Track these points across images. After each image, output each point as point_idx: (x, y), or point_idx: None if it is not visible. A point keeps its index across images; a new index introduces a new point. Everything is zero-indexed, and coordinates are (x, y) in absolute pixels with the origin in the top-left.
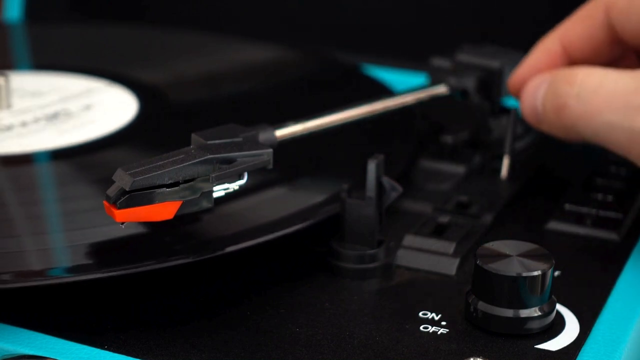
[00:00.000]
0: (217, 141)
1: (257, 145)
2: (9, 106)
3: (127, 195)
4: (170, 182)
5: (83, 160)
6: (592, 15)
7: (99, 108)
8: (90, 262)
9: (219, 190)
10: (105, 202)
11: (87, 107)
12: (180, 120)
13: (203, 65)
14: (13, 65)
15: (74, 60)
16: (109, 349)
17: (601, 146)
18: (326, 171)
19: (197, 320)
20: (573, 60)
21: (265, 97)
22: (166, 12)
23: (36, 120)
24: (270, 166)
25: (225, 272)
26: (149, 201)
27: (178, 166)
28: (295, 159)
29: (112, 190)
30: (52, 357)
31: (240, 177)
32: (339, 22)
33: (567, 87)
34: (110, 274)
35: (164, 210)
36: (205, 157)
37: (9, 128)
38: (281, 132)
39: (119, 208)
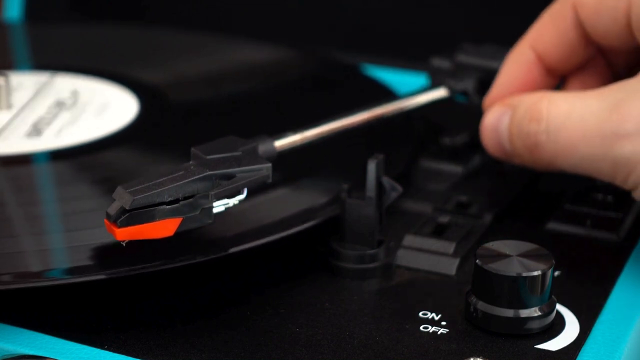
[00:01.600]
0: (216, 156)
1: (256, 159)
2: (9, 106)
3: (127, 214)
4: (170, 199)
5: (83, 160)
6: (562, 15)
7: (99, 108)
8: (90, 263)
9: (219, 206)
10: (105, 221)
11: (87, 107)
12: (180, 120)
13: (203, 65)
14: (13, 65)
15: (74, 60)
16: (109, 349)
17: (583, 175)
18: (326, 171)
19: (197, 320)
20: (547, 65)
21: (265, 97)
22: (166, 12)
23: (36, 120)
24: (270, 180)
25: (226, 272)
26: (149, 219)
27: (178, 183)
28: (295, 159)
29: (112, 209)
30: (52, 357)
31: (240, 192)
32: (339, 22)
33: (534, 125)
34: (110, 276)
35: (164, 227)
36: (205, 174)
37: (9, 128)
38: (280, 143)
39: (120, 227)
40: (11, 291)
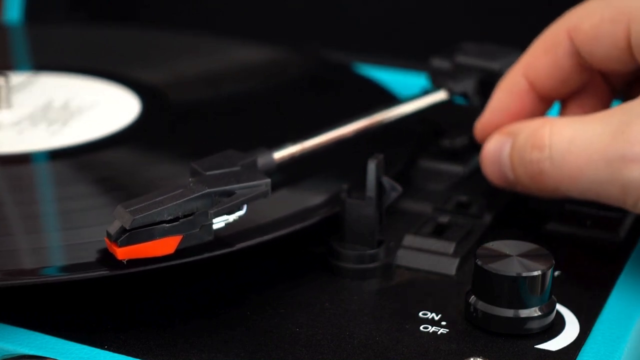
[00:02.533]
0: (215, 172)
1: (255, 174)
2: (9, 106)
3: (127, 233)
4: (169, 218)
5: (83, 160)
6: (556, 43)
7: (99, 108)
8: (89, 261)
9: (218, 222)
10: (106, 239)
11: (87, 107)
12: (181, 120)
13: (203, 65)
14: (13, 65)
15: (74, 61)
16: (109, 349)
17: (590, 201)
18: (326, 171)
19: (197, 320)
20: (540, 93)
21: (266, 98)
22: (166, 13)
23: (36, 120)
24: (269, 196)
25: (225, 271)
26: (149, 237)
27: (177, 202)
28: (294, 159)
29: (112, 228)
30: (52, 357)
31: (239, 209)
32: (339, 22)
33: (537, 153)
34: (110, 273)
35: (164, 245)
36: (204, 192)
37: (9, 128)
38: (279, 155)
39: (120, 246)
40: (12, 290)
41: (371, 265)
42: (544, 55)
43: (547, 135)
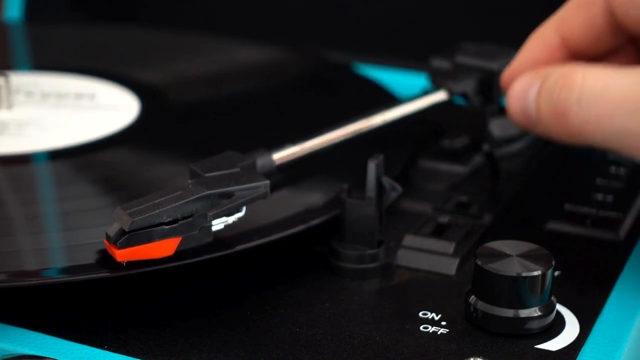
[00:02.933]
0: (214, 173)
1: (254, 176)
2: (9, 106)
3: (126, 235)
4: (168, 219)
5: (83, 160)
6: (591, 1)
7: (99, 108)
8: (89, 262)
9: (218, 224)
10: (105, 241)
11: (87, 107)
12: (181, 120)
13: (203, 65)
14: (13, 65)
15: (74, 60)
16: (109, 349)
17: (611, 151)
18: (326, 172)
19: (197, 320)
20: (572, 50)
21: (266, 98)
22: (166, 13)
23: (36, 120)
24: (268, 197)
25: (226, 272)
26: (148, 239)
27: (176, 204)
28: (294, 160)
29: (112, 230)
30: (52, 357)
31: (238, 210)
32: (339, 22)
33: (565, 92)
34: (110, 275)
35: (164, 247)
36: (203, 194)
37: (9, 128)
38: (279, 156)
39: (119, 248)
40: (12, 290)
41: (371, 265)
42: (578, 12)
43: (579, 79)
